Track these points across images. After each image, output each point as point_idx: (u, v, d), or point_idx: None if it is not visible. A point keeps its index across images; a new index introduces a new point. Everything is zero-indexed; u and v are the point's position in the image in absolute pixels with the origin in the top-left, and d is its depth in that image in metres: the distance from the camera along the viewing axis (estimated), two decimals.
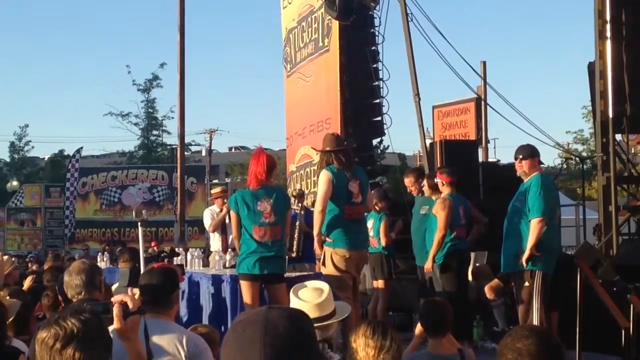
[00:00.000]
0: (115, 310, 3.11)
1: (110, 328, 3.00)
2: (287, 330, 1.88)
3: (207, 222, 11.79)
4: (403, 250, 11.19)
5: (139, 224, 7.31)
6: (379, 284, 10.98)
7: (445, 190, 9.22)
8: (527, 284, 7.71)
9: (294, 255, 10.61)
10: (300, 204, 11.50)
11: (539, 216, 7.53)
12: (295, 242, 10.74)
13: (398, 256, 11.47)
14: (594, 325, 7.47)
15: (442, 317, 5.34)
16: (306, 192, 15.57)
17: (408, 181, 10.17)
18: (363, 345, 3.77)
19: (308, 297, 4.59)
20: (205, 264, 10.49)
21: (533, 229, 7.52)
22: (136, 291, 4.30)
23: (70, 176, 36.59)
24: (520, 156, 7.95)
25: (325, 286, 4.83)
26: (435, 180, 9.40)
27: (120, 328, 3.13)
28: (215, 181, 46.46)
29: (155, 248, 21.97)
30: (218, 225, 11.63)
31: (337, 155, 8.18)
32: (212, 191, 12.85)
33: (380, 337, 3.78)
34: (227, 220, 11.36)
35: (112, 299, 3.19)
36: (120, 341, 3.16)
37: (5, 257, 6.23)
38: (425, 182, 9.64)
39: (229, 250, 10.48)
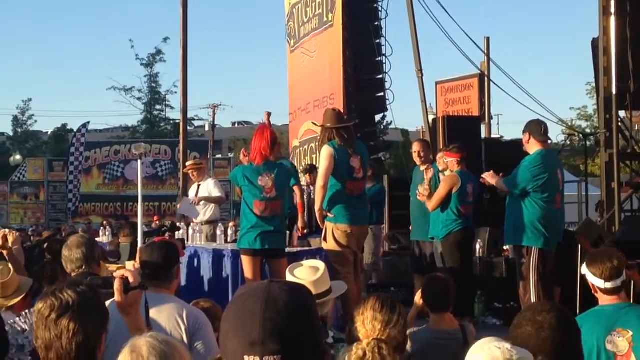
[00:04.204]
0: (116, 284, 3.10)
1: (108, 302, 3.00)
2: (287, 305, 1.87)
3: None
4: (404, 226, 11.18)
5: (140, 198, 7.27)
6: None
7: (456, 168, 9.00)
8: (524, 260, 7.71)
9: (307, 231, 10.54)
10: (311, 179, 11.34)
11: (510, 188, 7.83)
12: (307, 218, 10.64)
13: (399, 231, 11.45)
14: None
15: (445, 292, 5.33)
16: None
17: (418, 147, 9.86)
18: (370, 319, 3.73)
19: (303, 275, 4.58)
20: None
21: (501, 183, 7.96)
22: (131, 264, 4.31)
23: (75, 150, 36.58)
24: (523, 132, 7.94)
25: (321, 265, 4.82)
26: (445, 160, 9.13)
27: (121, 302, 3.12)
28: (219, 156, 46.46)
29: (157, 222, 22.01)
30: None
31: (339, 131, 8.14)
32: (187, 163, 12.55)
33: (388, 311, 3.75)
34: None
35: (114, 274, 3.19)
36: (120, 315, 3.16)
37: (7, 231, 6.13)
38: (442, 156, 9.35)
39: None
